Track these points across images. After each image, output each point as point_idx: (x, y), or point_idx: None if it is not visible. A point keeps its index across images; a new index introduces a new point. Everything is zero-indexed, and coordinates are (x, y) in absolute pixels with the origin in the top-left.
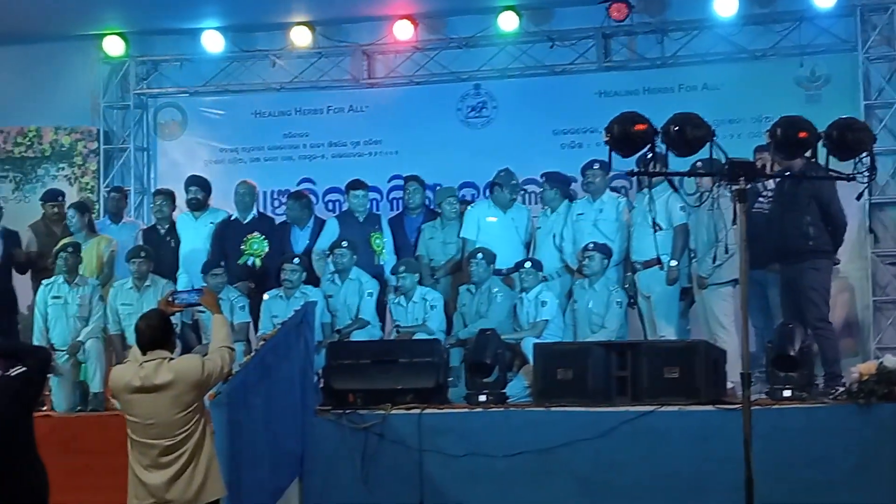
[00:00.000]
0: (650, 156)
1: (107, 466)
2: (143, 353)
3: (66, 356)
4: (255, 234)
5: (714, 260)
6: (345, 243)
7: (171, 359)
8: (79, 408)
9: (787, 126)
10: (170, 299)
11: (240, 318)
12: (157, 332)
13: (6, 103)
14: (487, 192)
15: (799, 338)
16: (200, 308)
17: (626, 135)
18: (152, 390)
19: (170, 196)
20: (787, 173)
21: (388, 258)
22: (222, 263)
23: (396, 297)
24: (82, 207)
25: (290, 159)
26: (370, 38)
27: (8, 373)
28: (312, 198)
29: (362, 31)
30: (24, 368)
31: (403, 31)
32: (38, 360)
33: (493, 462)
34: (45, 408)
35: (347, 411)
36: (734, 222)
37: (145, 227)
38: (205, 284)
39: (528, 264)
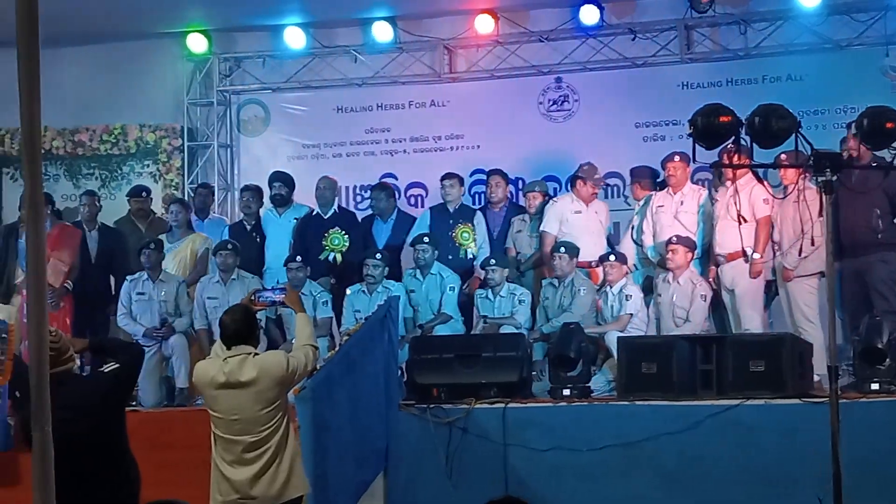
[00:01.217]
0: (734, 148)
1: (192, 461)
2: (228, 348)
3: (153, 351)
4: (336, 229)
5: (800, 252)
6: (426, 239)
7: (256, 354)
8: (165, 403)
9: (874, 116)
10: (253, 298)
11: (323, 314)
12: (242, 327)
13: (92, 102)
14: (569, 186)
15: (887, 330)
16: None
17: (711, 127)
18: (236, 386)
19: (257, 192)
20: (874, 164)
21: (481, 251)
22: (298, 258)
23: (485, 290)
24: (185, 203)
25: (372, 154)
26: (451, 32)
27: (101, 369)
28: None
29: (443, 26)
30: (116, 365)
31: (484, 25)
32: (130, 356)
33: (577, 456)
34: (133, 402)
35: (431, 406)
36: (820, 214)
37: (231, 223)
38: (287, 281)
39: (611, 257)
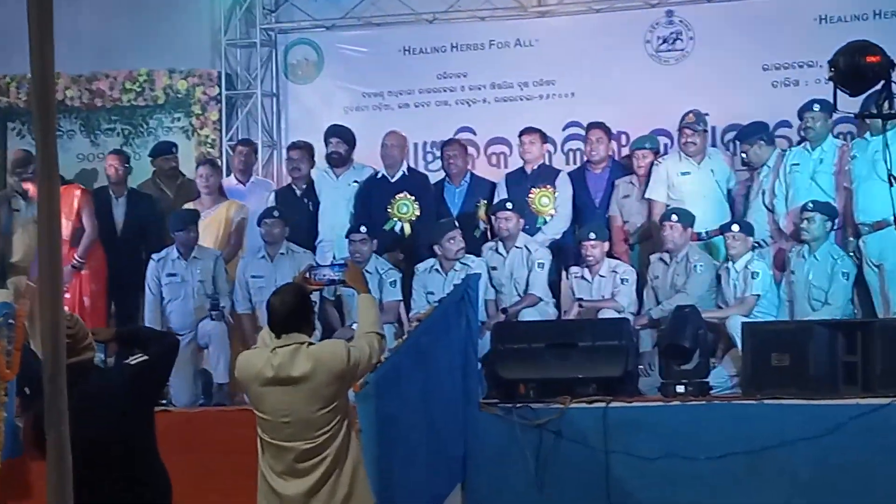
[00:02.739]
0: (884, 94)
1: (233, 468)
2: (277, 337)
3: (187, 340)
4: (404, 194)
5: None
6: (509, 205)
7: (310, 343)
8: (201, 401)
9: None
10: (308, 275)
11: (390, 296)
12: (294, 311)
13: (112, 44)
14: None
15: None
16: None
17: (856, 69)
18: (288, 382)
19: (308, 150)
20: None
21: (556, 220)
22: (363, 229)
23: (580, 268)
24: (215, 165)
25: (446, 104)
26: None
27: (126, 361)
28: (472, 150)
29: None
30: (144, 357)
31: None
32: (162, 346)
33: (693, 465)
34: (164, 402)
35: (518, 405)
36: None
37: (278, 187)
38: (347, 256)
39: (735, 227)
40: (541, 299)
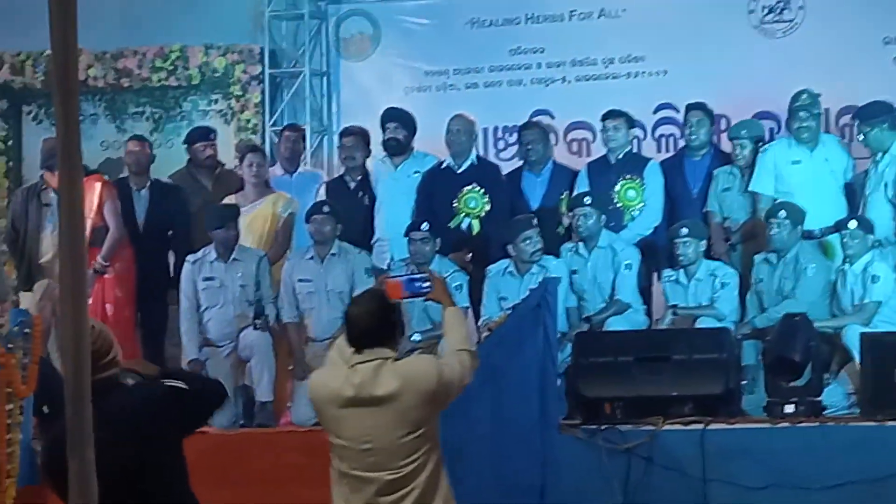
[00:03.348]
0: None
1: (279, 499)
2: (357, 352)
3: (226, 353)
4: (472, 186)
5: None
6: (587, 199)
7: (396, 359)
8: (241, 422)
9: None
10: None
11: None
12: (378, 323)
13: (141, 16)
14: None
15: None
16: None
17: None
18: (370, 403)
19: (363, 136)
20: None
21: (644, 215)
22: (424, 226)
23: (675, 270)
24: (262, 153)
25: (520, 84)
26: None
27: (162, 381)
28: (550, 136)
29: None
30: (184, 386)
31: None
32: (208, 387)
33: (805, 496)
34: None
35: (603, 426)
36: None
37: (328, 178)
38: (407, 256)
39: (852, 224)
40: (629, 306)
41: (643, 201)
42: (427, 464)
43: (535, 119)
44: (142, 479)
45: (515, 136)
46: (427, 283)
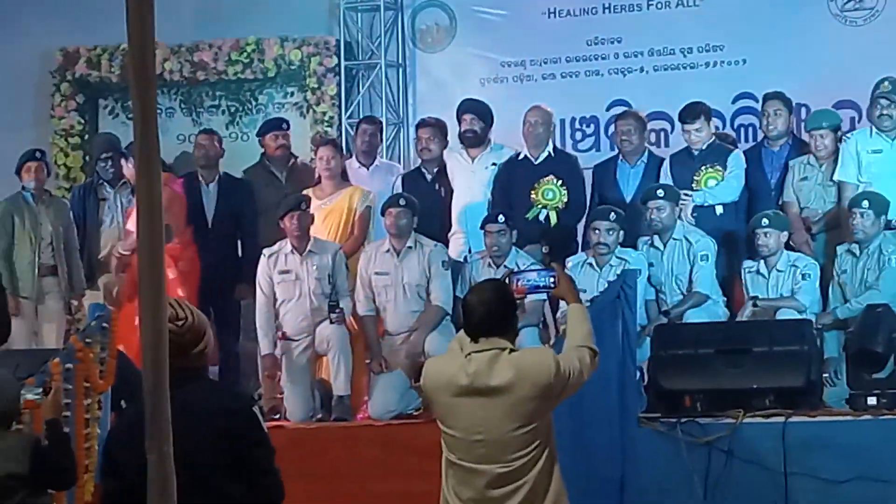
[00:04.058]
0: None
1: (357, 493)
2: (474, 341)
3: (302, 347)
4: (550, 177)
5: None
6: (660, 192)
7: (513, 350)
8: (318, 416)
9: None
10: (507, 281)
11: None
12: (496, 312)
13: (217, 9)
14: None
15: None
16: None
17: None
18: (484, 393)
19: (439, 128)
20: None
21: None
22: (501, 218)
23: (755, 261)
24: (337, 146)
25: (597, 75)
26: None
27: (239, 391)
28: None
29: None
30: (257, 405)
31: None
32: (274, 485)
33: (888, 489)
34: (277, 416)
35: (683, 420)
36: None
37: (405, 171)
38: (483, 249)
39: None
40: (707, 297)
41: (723, 180)
42: (539, 459)
43: (632, 109)
44: (208, 471)
45: (593, 126)
46: (552, 279)
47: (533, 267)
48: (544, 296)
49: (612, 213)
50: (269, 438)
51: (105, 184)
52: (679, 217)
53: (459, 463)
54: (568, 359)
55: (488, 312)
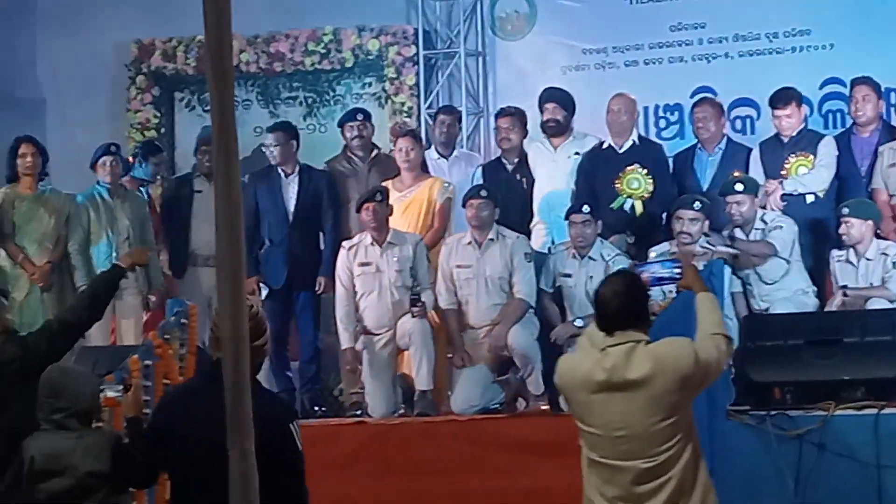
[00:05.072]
0: None
1: (440, 489)
2: (609, 335)
3: (384, 341)
4: (634, 166)
5: None
6: (739, 186)
7: (649, 342)
8: (401, 411)
9: None
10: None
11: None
12: (630, 304)
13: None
14: None
15: None
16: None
17: None
18: (623, 387)
19: (520, 117)
20: None
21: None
22: (585, 208)
23: (843, 250)
24: (416, 137)
25: (681, 61)
26: None
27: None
28: None
29: None
30: (295, 422)
31: None
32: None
33: None
34: (359, 412)
35: (773, 412)
36: None
37: (485, 161)
38: (567, 239)
39: None
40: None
41: (813, 168)
42: (683, 452)
43: (706, 96)
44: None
45: (677, 114)
46: (678, 269)
47: (657, 259)
48: (671, 287)
49: (697, 202)
50: (302, 455)
51: (202, 177)
52: (762, 207)
53: (602, 461)
54: (705, 348)
55: (622, 305)
